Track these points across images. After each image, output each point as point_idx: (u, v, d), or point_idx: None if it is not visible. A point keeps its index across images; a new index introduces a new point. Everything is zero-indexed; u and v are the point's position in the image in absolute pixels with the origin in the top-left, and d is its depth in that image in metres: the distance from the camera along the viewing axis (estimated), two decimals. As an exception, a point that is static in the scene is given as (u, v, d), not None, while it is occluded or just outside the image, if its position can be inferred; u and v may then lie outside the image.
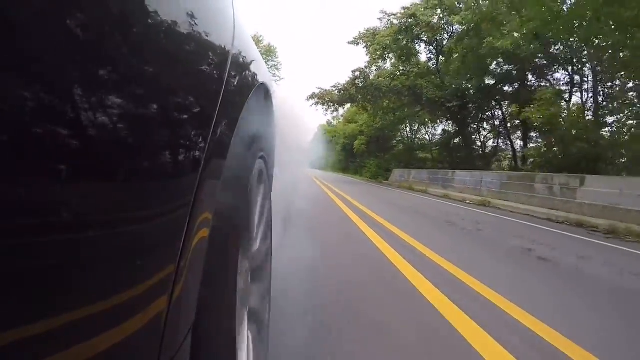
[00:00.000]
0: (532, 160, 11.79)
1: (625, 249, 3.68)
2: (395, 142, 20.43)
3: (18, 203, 0.19)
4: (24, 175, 0.20)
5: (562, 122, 10.38)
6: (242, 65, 0.58)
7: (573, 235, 4.37)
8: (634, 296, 2.18)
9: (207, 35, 0.43)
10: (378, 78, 17.32)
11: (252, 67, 0.66)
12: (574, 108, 10.57)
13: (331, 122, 27.86)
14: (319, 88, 19.37)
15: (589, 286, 2.28)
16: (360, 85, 17.46)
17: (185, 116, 0.37)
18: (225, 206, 0.51)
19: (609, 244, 3.89)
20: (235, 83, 0.53)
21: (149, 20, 0.30)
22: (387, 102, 17.11)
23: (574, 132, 9.50)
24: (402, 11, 16.21)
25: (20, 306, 0.20)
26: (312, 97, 18.73)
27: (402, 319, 1.55)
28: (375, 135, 19.84)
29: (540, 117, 10.50)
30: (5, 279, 0.19)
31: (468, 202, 8.22)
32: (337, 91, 18.30)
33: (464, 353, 1.30)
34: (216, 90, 0.44)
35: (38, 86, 0.20)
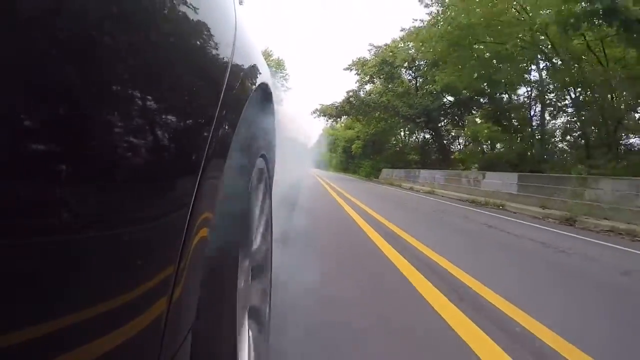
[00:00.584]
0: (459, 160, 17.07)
1: (487, 212, 6.61)
2: (389, 145, 24.28)
3: (19, 204, 0.19)
4: (24, 176, 0.19)
5: (480, 137, 15.25)
6: (242, 66, 0.58)
7: (467, 207, 7.46)
8: (483, 229, 4.55)
9: (208, 36, 0.43)
10: (369, 95, 21.90)
11: (253, 68, 0.67)
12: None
13: (334, 126, 32.34)
14: (320, 104, 24.53)
15: (460, 226, 4.75)
16: (353, 102, 21.88)
17: (186, 115, 0.37)
18: (226, 205, 0.51)
19: (481, 210, 6.92)
20: (236, 83, 0.53)
21: (150, 21, 0.30)
22: (379, 113, 21.29)
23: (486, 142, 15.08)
24: (385, 47, 21.24)
25: (21, 307, 0.20)
26: (314, 111, 24.37)
27: (351, 240, 3.40)
28: (371, 140, 23.98)
29: (468, 133, 16.27)
30: (5, 279, 0.19)
31: (422, 191, 11.67)
32: (335, 107, 23.21)
33: (380, 259, 2.65)
34: (217, 90, 0.44)
35: (38, 86, 0.20)
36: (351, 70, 23.12)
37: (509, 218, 5.81)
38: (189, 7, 0.37)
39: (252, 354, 0.72)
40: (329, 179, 17.72)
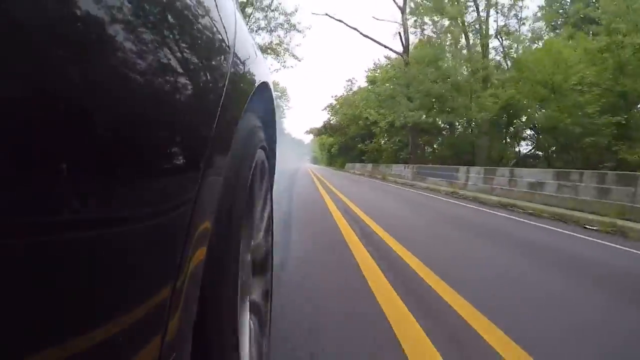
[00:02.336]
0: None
1: (423, 193, 9.19)
2: (355, 149, 33.13)
3: (19, 203, 0.19)
4: (24, 175, 0.19)
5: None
6: (243, 64, 0.59)
7: (407, 188, 10.41)
8: (371, 181, 13.22)
9: (209, 35, 0.43)
10: (338, 122, 34.08)
11: (253, 66, 0.68)
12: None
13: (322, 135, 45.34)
14: (311, 127, 39.05)
15: (358, 180, 13.17)
16: (327, 127, 35.99)
17: (189, 112, 0.37)
18: (227, 198, 0.52)
19: (418, 191, 9.78)
20: (237, 81, 0.54)
21: (152, 20, 0.30)
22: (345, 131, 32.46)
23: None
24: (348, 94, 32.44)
25: (22, 306, 0.20)
26: (307, 131, 43.87)
27: (313, 197, 6.44)
28: (343, 145, 35.13)
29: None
30: (5, 280, 0.19)
31: (357, 174, 18.08)
32: (317, 129, 39.43)
33: (327, 213, 4.44)
34: (219, 88, 0.45)
35: (38, 85, 0.19)
36: (325, 109, 37.29)
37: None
38: (190, 7, 0.38)
39: (254, 350, 0.72)
40: (313, 168, 29.38)
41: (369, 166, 21.50)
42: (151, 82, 0.30)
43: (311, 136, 49.87)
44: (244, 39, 0.63)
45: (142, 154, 0.29)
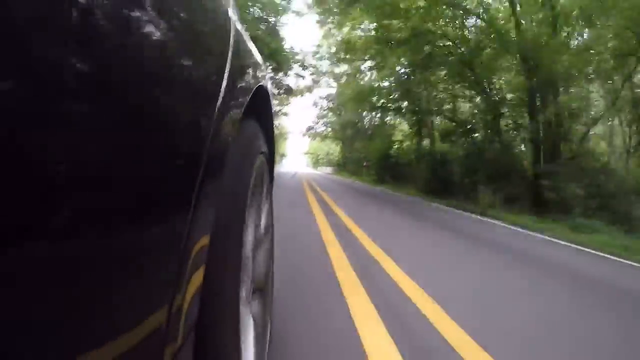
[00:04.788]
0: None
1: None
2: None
3: (18, 205, 0.19)
4: (22, 177, 0.19)
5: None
6: (241, 68, 0.59)
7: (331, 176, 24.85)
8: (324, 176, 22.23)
9: (207, 38, 0.44)
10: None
11: (252, 70, 0.68)
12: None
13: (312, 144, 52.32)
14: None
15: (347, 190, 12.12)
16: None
17: (185, 118, 0.37)
18: (228, 203, 0.52)
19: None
20: (235, 85, 0.54)
21: (150, 22, 0.30)
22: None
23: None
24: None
25: (22, 306, 0.20)
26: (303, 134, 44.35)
27: (294, 184, 11.34)
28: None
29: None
30: (6, 280, 0.19)
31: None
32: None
33: (304, 198, 6.84)
34: (216, 92, 0.45)
35: (37, 85, 0.19)
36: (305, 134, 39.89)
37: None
38: (188, 9, 0.38)
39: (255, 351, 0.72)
40: (306, 172, 33.02)
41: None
42: (146, 87, 0.30)
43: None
44: (242, 42, 0.63)
45: (141, 159, 0.29)
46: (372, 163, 20.78)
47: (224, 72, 0.48)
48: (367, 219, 4.54)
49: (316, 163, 58.04)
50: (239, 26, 0.65)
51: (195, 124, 0.40)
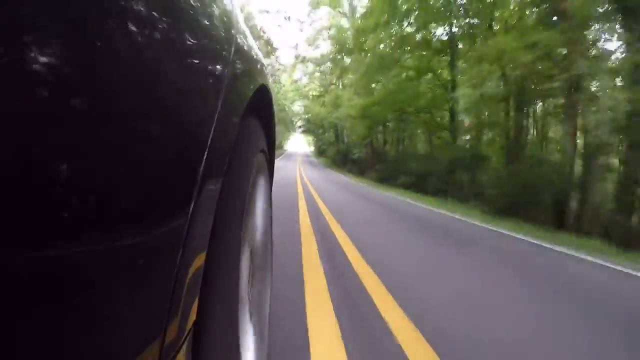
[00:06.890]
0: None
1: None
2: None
3: (16, 205, 0.19)
4: (20, 176, 0.19)
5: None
6: (243, 67, 0.59)
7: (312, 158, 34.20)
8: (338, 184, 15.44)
9: (209, 37, 0.43)
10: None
11: (253, 69, 0.68)
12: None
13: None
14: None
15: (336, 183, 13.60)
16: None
17: (185, 116, 0.37)
18: (227, 202, 0.52)
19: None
20: (237, 84, 0.54)
21: (152, 20, 0.30)
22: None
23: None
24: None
25: (21, 307, 0.20)
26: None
27: (290, 166, 18.99)
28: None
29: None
30: (6, 280, 0.19)
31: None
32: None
33: (293, 181, 10.00)
34: (217, 91, 0.45)
35: (37, 85, 0.19)
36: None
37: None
38: (189, 8, 0.38)
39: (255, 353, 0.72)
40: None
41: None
42: (147, 85, 0.30)
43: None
44: (243, 40, 0.63)
45: (142, 156, 0.29)
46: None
47: (225, 71, 0.48)
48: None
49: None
50: (241, 24, 0.65)
51: (196, 122, 0.40)
